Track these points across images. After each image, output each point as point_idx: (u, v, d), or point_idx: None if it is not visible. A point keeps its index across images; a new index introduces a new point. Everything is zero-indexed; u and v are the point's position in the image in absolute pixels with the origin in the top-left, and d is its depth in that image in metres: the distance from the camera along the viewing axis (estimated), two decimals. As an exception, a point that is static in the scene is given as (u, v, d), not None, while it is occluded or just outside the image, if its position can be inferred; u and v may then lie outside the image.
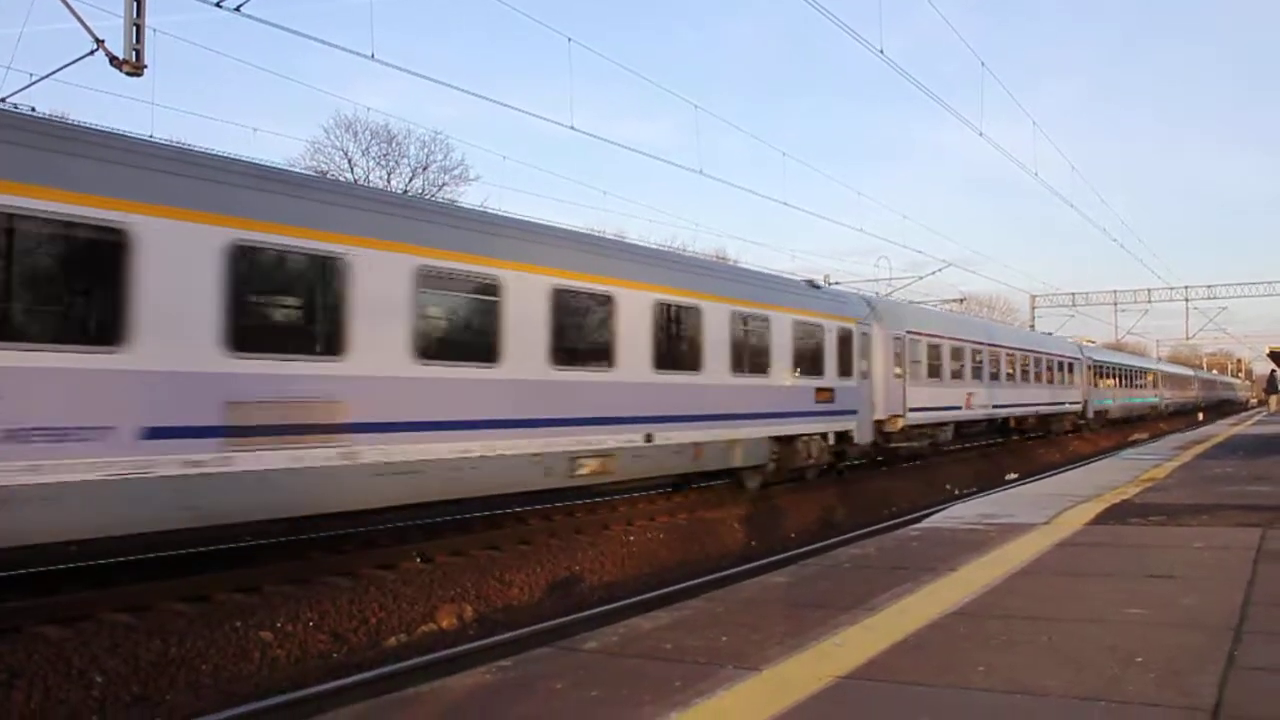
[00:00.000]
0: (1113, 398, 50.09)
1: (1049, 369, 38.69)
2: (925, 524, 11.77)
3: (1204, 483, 15.99)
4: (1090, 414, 44.56)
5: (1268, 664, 5.25)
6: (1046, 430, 40.12)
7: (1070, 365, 41.96)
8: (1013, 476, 25.92)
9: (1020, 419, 36.25)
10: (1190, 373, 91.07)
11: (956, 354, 28.24)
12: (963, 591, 7.28)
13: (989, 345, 31.44)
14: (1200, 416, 70.42)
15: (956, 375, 28.24)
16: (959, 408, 28.13)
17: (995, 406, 31.58)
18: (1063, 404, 40.59)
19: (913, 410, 24.42)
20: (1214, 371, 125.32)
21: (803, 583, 8.15)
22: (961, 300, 53.13)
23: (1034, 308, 63.34)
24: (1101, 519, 11.51)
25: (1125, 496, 13.88)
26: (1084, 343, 54.59)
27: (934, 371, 26.51)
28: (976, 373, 29.92)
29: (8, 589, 9.96)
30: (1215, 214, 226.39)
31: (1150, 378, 62.54)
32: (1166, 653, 5.46)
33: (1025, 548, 9.38)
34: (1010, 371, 33.56)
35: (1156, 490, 14.94)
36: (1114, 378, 51.14)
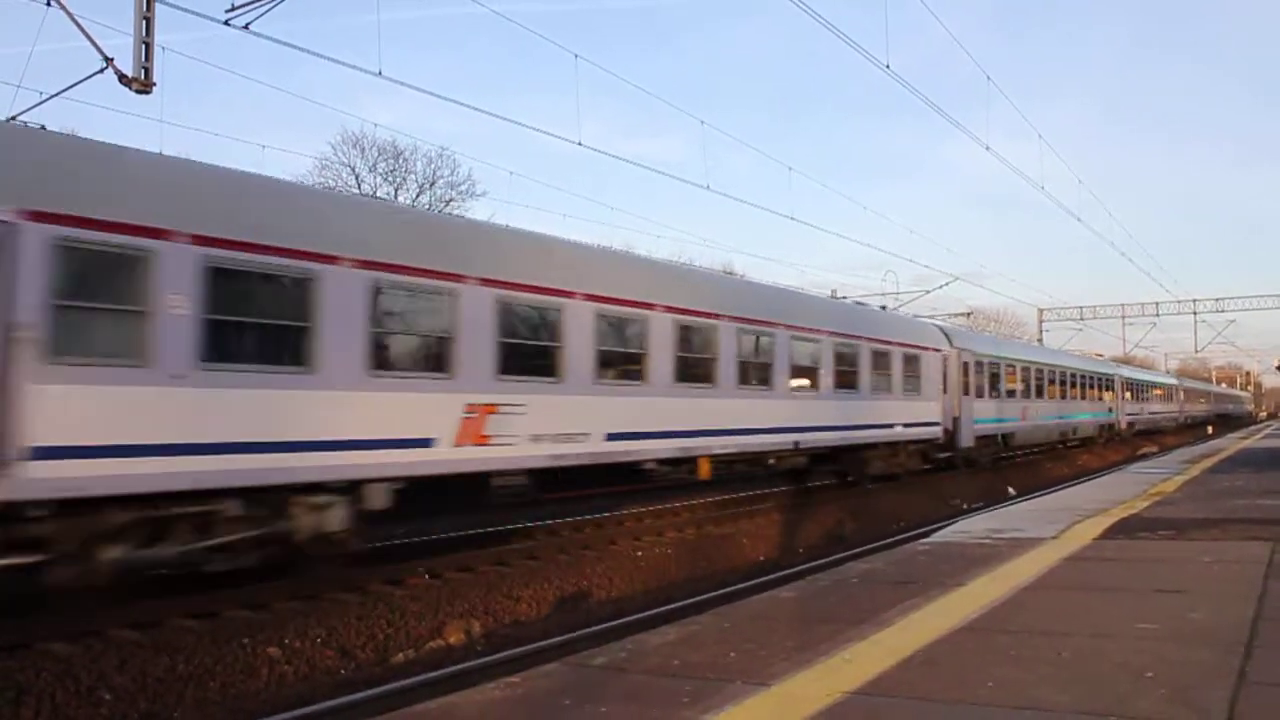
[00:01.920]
0: (1019, 414, 32.87)
1: (845, 363, 20.88)
2: (933, 539, 11.75)
3: (1213, 497, 15.92)
4: (965, 441, 27.34)
5: (1279, 680, 5.22)
6: (848, 471, 22.67)
7: (911, 360, 24.25)
8: (1012, 493, 24.73)
9: (751, 457, 18.34)
10: (1168, 379, 71.72)
11: (401, 312, 12.10)
12: (972, 606, 7.26)
13: (600, 302, 14.55)
14: (1210, 430, 69.69)
15: (388, 359, 11.82)
16: (417, 441, 11.94)
17: (615, 437, 14.71)
18: (890, 426, 22.86)
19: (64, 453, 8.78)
20: (1222, 384, 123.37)
21: (811, 598, 8.13)
22: (969, 314, 53.05)
23: (1042, 321, 63.31)
24: (1110, 533, 11.47)
25: (1134, 511, 13.84)
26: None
27: (232, 345, 10.25)
28: (528, 359, 13.47)
29: (15, 606, 9.98)
30: (1224, 227, 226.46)
31: (1094, 384, 44.68)
32: (1176, 668, 5.43)
33: (1034, 562, 9.35)
34: (704, 359, 16.74)
35: (1165, 504, 14.88)
36: (1020, 382, 33.12)
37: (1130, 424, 52.17)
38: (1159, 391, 63.08)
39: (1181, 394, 72.42)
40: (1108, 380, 47.44)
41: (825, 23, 17.83)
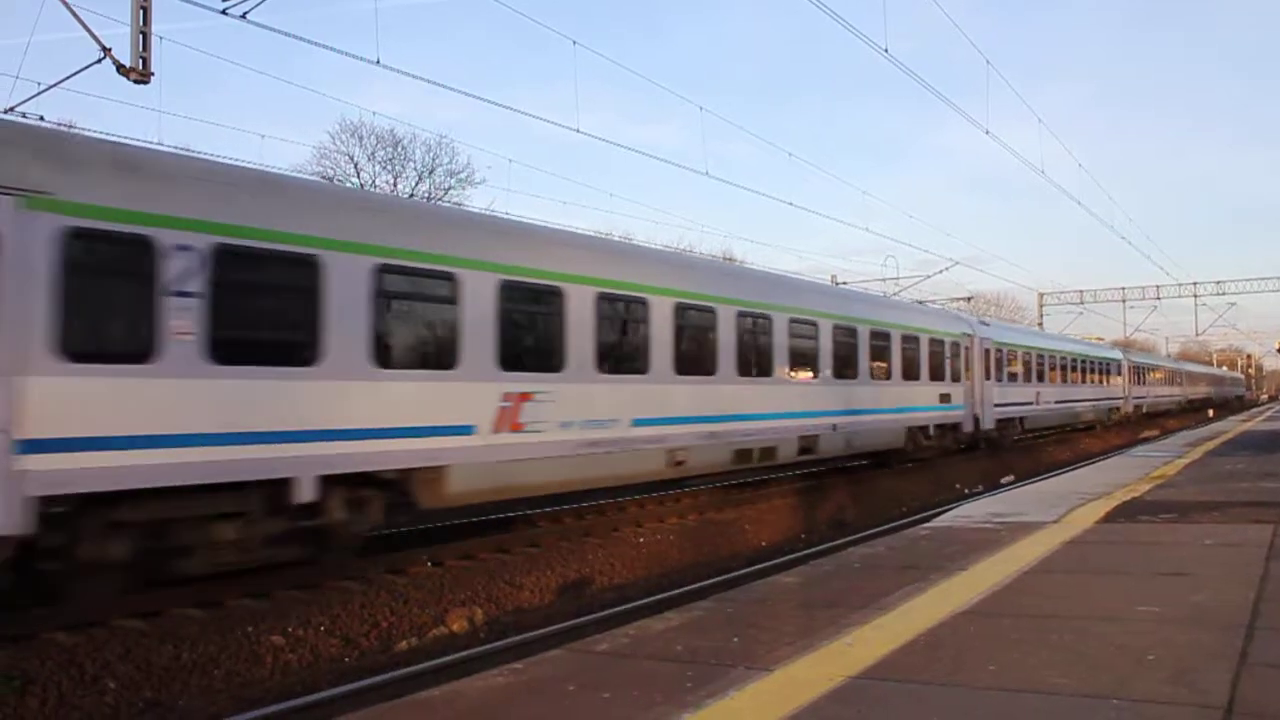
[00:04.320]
0: (531, 419, 12.93)
1: None
2: (935, 523, 11.76)
3: (1215, 480, 15.93)
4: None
5: (1280, 661, 5.23)
6: None
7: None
8: (1009, 479, 23.97)
9: None
10: (1090, 349, 46.89)
11: None
12: (973, 590, 7.27)
13: None
14: (1211, 414, 69.04)
15: None
16: None
17: None
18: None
19: None
20: (1223, 366, 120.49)
21: (813, 583, 8.15)
22: (969, 299, 53.02)
23: (1042, 305, 63.26)
24: (1112, 517, 11.48)
25: (1136, 494, 13.84)
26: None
27: None
28: None
29: (20, 595, 10.01)
30: (1224, 210, 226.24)
31: (906, 349, 24.04)
32: (1178, 650, 5.44)
33: (1035, 546, 9.36)
34: None
35: (1167, 487, 14.89)
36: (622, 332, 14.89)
37: (1011, 420, 31.80)
38: (1075, 368, 41.04)
39: (1126, 371, 51.22)
40: (939, 344, 25.89)
41: (823, 6, 17.71)
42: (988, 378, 29.24)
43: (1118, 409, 48.81)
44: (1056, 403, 37.30)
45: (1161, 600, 6.80)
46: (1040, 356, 35.64)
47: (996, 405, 29.83)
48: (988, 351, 29.47)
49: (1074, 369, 40.57)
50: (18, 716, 7.81)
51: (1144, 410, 54.95)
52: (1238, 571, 7.77)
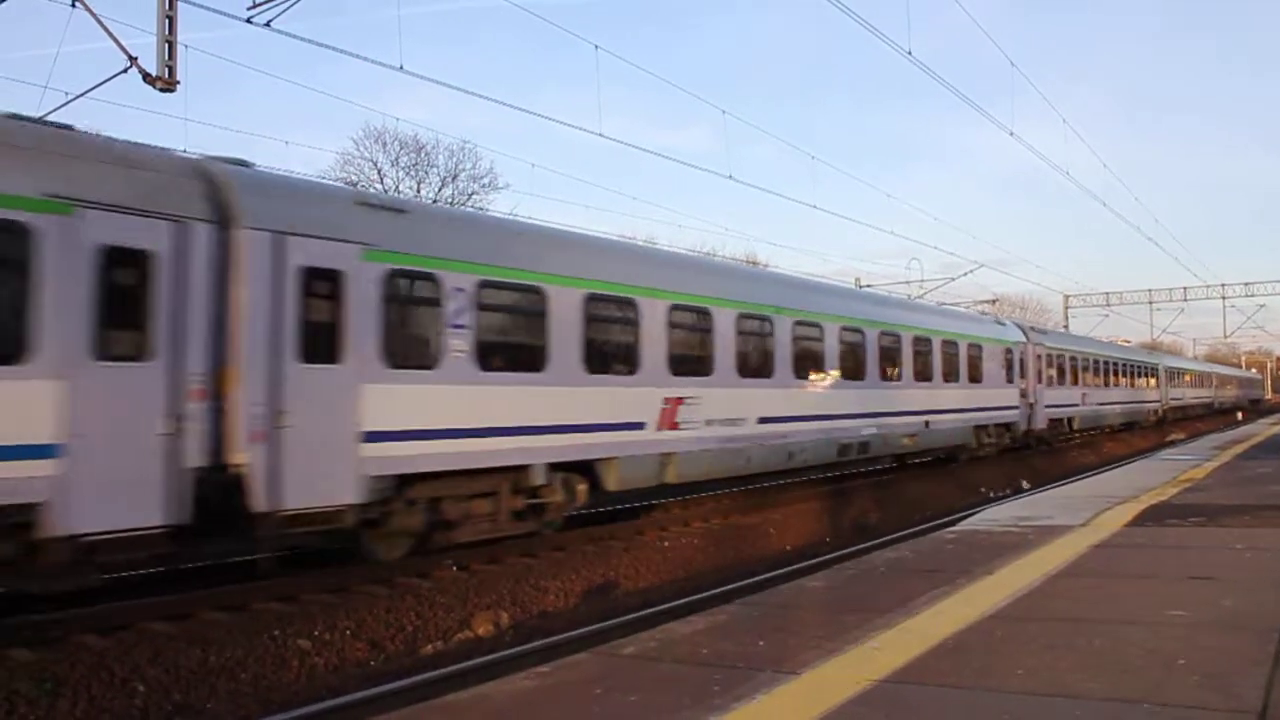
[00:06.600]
0: None
1: None
2: (961, 527, 11.70)
3: (1244, 483, 15.77)
4: None
5: (1314, 665, 5.17)
6: None
7: None
8: (1026, 485, 23.61)
9: None
10: (949, 325, 25.19)
11: None
12: (1000, 594, 7.23)
13: None
14: (1239, 415, 67.97)
15: None
16: None
17: None
18: None
19: None
20: (1249, 366, 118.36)
21: (839, 586, 8.12)
22: (994, 301, 52.67)
23: (1068, 308, 62.78)
24: (1140, 520, 11.38)
25: (1164, 498, 13.72)
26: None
27: None
28: None
29: (50, 600, 10.11)
30: (1253, 212, 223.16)
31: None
32: (1209, 655, 5.39)
33: (1063, 550, 9.30)
34: None
35: (1195, 491, 14.75)
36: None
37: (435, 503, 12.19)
38: (831, 341, 19.19)
39: (1029, 359, 29.59)
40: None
41: (846, 9, 17.64)
42: (391, 359, 11.32)
43: (1009, 426, 28.11)
44: (761, 423, 16.89)
45: (1192, 604, 6.74)
46: (699, 313, 15.98)
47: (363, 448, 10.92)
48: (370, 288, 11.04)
49: (862, 348, 20.45)
50: (49, 719, 7.89)
51: (1075, 426, 35.10)
52: (1269, 575, 7.70)
